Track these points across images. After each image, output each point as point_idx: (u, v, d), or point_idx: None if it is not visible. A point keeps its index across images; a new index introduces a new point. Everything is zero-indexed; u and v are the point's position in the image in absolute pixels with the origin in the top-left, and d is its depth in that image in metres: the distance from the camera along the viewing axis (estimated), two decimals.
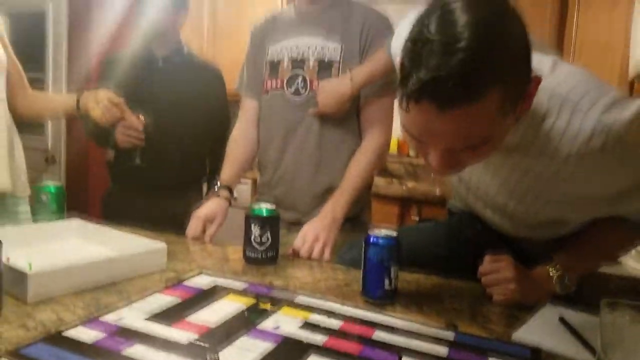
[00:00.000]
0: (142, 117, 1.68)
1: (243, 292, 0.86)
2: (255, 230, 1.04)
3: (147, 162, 1.72)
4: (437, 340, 0.71)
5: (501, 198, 0.88)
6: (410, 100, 0.61)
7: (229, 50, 3.15)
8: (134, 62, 1.80)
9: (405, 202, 2.74)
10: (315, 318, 0.77)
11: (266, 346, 0.66)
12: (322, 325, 0.74)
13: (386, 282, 0.85)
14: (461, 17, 0.58)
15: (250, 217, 1.05)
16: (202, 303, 0.80)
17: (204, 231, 1.28)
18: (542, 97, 0.71)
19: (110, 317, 0.72)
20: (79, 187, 3.13)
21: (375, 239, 0.85)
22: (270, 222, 1.05)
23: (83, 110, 1.45)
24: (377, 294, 0.86)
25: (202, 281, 0.91)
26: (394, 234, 0.86)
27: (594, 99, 0.70)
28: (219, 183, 1.38)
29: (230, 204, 1.37)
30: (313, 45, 1.34)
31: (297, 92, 1.35)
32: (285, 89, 1.36)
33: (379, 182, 2.99)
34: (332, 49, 1.32)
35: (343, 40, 1.32)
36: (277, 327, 0.72)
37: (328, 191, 1.30)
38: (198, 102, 1.79)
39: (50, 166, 3.30)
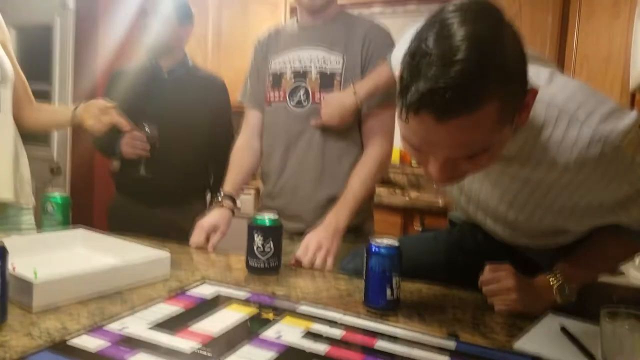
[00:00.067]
0: (147, 129, 1.71)
1: (246, 302, 0.87)
2: (258, 239, 1.04)
3: (152, 173, 1.74)
4: (439, 349, 0.71)
5: (501, 208, 0.89)
6: (409, 111, 0.63)
7: (232, 62, 3.18)
8: (139, 75, 1.83)
9: (408, 212, 2.74)
10: (317, 327, 0.77)
11: (268, 355, 0.66)
12: (324, 335, 0.74)
13: (388, 291, 0.85)
14: (458, 31, 0.60)
15: (253, 227, 1.06)
16: (205, 312, 0.80)
17: (207, 240, 1.29)
18: (539, 108, 0.72)
19: (114, 326, 0.73)
20: (84, 197, 3.14)
21: (376, 248, 0.86)
22: (273, 232, 1.06)
23: (78, 121, 1.47)
24: (379, 303, 0.86)
25: (205, 290, 0.92)
26: (396, 243, 0.86)
27: (591, 109, 0.71)
28: (222, 193, 1.39)
29: (233, 213, 1.38)
30: (315, 57, 1.36)
31: (299, 104, 1.37)
32: (288, 100, 1.38)
33: (382, 192, 3.00)
34: (334, 61, 1.34)
35: (345, 53, 1.34)
36: (279, 337, 0.73)
37: (330, 201, 1.30)
38: (202, 114, 1.81)
39: (55, 176, 3.32)
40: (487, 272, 0.91)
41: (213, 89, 1.87)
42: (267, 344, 0.70)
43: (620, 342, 0.59)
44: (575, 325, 0.81)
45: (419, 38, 0.63)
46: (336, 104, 1.30)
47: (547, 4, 2.59)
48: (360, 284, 0.89)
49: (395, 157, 3.18)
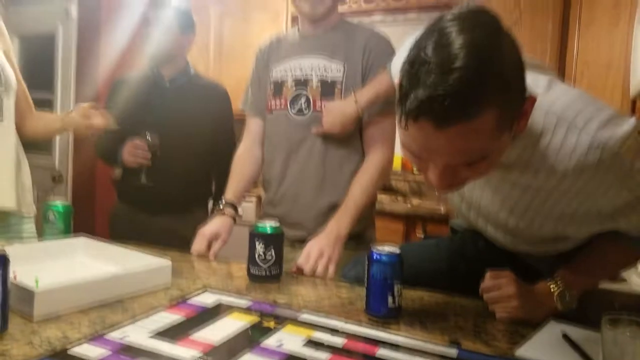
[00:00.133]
0: (148, 137, 1.71)
1: (247, 310, 0.87)
2: (260, 247, 1.04)
3: (153, 181, 1.75)
4: (441, 357, 0.71)
5: (502, 215, 0.89)
6: (408, 118, 0.63)
7: (234, 70, 3.20)
8: (141, 84, 1.83)
9: (410, 220, 2.74)
10: (319, 336, 0.77)
11: None
12: (326, 343, 0.74)
13: (389, 299, 0.85)
14: (457, 39, 0.61)
15: (255, 235, 1.06)
16: (207, 321, 0.80)
17: (209, 248, 1.30)
18: (538, 115, 0.72)
19: (115, 335, 0.73)
20: (85, 205, 3.15)
21: (378, 256, 0.86)
22: (274, 240, 1.06)
23: (66, 127, 1.48)
24: (380, 311, 0.86)
25: (207, 299, 0.91)
26: (397, 250, 0.86)
27: (589, 116, 0.71)
28: (223, 201, 1.39)
29: (234, 221, 1.38)
30: (316, 65, 1.36)
31: (300, 112, 1.37)
32: (289, 108, 1.38)
33: (384, 199, 3.00)
34: (335, 69, 1.35)
35: (346, 61, 1.35)
36: (281, 345, 0.72)
37: (331, 209, 1.31)
38: (204, 122, 1.81)
39: (57, 185, 3.33)
40: (488, 279, 0.91)
41: (215, 97, 1.88)
42: (269, 352, 0.70)
43: (622, 349, 0.59)
44: (577, 332, 0.81)
45: (418, 46, 0.64)
46: (337, 112, 1.31)
47: (547, 11, 2.60)
48: (362, 291, 0.89)
49: (397, 164, 3.18)
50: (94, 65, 3.20)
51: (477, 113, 0.60)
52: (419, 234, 2.68)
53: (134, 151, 1.71)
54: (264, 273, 1.05)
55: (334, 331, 0.79)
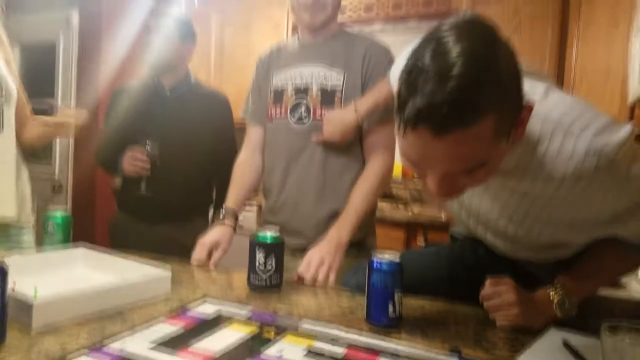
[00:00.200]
0: (148, 147, 1.72)
1: (247, 321, 0.86)
2: (260, 256, 1.04)
3: (152, 191, 1.75)
4: None
5: (501, 222, 0.89)
6: (407, 126, 0.63)
7: (235, 79, 3.21)
8: (141, 93, 1.84)
9: (411, 227, 2.73)
10: (319, 345, 0.76)
11: None
12: (326, 353, 0.74)
13: (390, 308, 0.85)
14: (454, 48, 0.61)
15: (255, 243, 1.05)
16: (206, 331, 0.80)
17: (209, 257, 1.29)
18: (535, 122, 0.72)
19: (114, 346, 0.73)
20: (85, 214, 3.15)
21: (378, 265, 0.85)
22: (275, 248, 1.05)
23: (53, 131, 1.49)
24: (381, 320, 0.85)
25: (206, 309, 0.91)
26: (397, 258, 0.86)
27: (586, 122, 0.71)
28: (224, 209, 1.39)
29: (235, 230, 1.38)
30: (316, 73, 1.37)
31: (300, 120, 1.37)
32: (289, 116, 1.39)
33: (385, 207, 2.99)
34: (334, 77, 1.35)
35: (345, 69, 1.35)
36: (281, 355, 0.72)
37: (332, 217, 1.30)
38: (205, 131, 1.81)
39: (57, 194, 3.33)
40: (488, 287, 0.91)
41: (216, 105, 1.88)
42: None
43: (622, 356, 0.59)
44: (577, 340, 0.80)
45: (416, 55, 0.64)
46: (337, 121, 1.31)
47: (546, 18, 2.62)
48: (363, 300, 0.89)
49: (398, 172, 3.18)
50: (94, 73, 3.21)
51: (474, 120, 0.60)
52: (420, 241, 2.68)
53: (134, 161, 1.71)
54: (264, 282, 1.04)
55: (334, 340, 0.78)
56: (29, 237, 1.44)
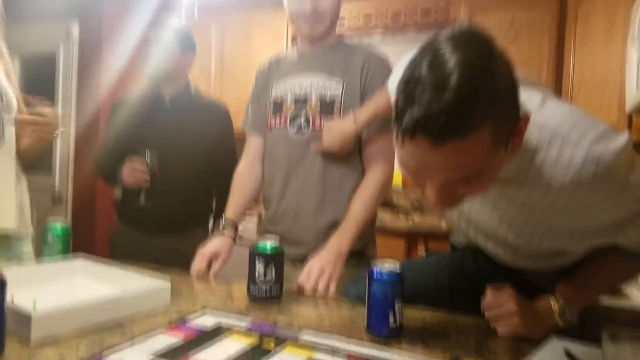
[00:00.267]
0: (148, 158, 1.72)
1: (247, 332, 0.86)
2: (260, 266, 1.04)
3: (152, 203, 1.75)
4: None
5: (501, 231, 0.89)
6: (405, 136, 0.64)
7: (235, 89, 3.22)
8: (141, 104, 1.84)
9: (411, 237, 2.73)
10: (320, 356, 0.76)
11: None
12: None
13: (391, 317, 0.84)
14: (451, 58, 0.62)
15: (255, 254, 1.05)
16: (206, 343, 0.80)
17: (209, 268, 1.29)
18: (532, 131, 0.73)
19: (113, 357, 0.72)
20: (85, 225, 3.15)
21: (378, 275, 0.85)
22: (275, 259, 1.05)
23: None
24: (382, 330, 0.85)
25: (206, 320, 0.91)
26: (397, 268, 0.86)
27: (583, 131, 0.72)
28: (224, 220, 1.39)
29: (235, 240, 1.38)
30: (316, 83, 1.38)
31: (299, 130, 1.38)
32: (289, 126, 1.39)
33: (385, 216, 2.99)
34: (333, 87, 1.36)
35: (344, 79, 1.36)
36: None
37: (332, 226, 1.30)
38: (205, 141, 1.82)
39: (57, 205, 3.33)
40: (489, 296, 0.90)
41: (216, 116, 1.88)
42: None
43: None
44: (579, 349, 0.80)
45: (413, 65, 0.65)
46: (337, 131, 1.32)
47: (543, 29, 2.64)
48: (364, 310, 0.88)
49: (398, 181, 3.18)
50: (94, 84, 3.23)
51: (472, 130, 0.61)
52: (421, 251, 2.67)
53: (133, 172, 1.71)
54: (264, 293, 1.04)
55: (335, 351, 0.78)
56: (28, 248, 1.44)
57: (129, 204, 1.80)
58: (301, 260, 1.27)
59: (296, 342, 0.81)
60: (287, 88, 1.41)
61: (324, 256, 1.20)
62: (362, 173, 1.37)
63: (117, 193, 1.87)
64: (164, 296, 0.98)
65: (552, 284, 0.91)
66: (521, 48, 2.65)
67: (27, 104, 1.41)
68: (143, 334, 0.82)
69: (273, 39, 3.28)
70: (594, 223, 0.80)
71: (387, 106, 1.22)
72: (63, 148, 3.34)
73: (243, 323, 0.90)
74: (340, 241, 1.23)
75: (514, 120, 0.67)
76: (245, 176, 1.48)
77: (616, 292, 1.41)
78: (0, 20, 1.41)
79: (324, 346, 0.80)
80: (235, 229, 1.39)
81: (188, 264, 1.30)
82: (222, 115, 1.89)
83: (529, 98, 0.75)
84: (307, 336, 0.84)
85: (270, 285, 1.04)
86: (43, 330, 0.78)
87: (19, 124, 1.38)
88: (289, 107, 1.40)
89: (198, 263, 1.30)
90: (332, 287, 1.16)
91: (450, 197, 0.70)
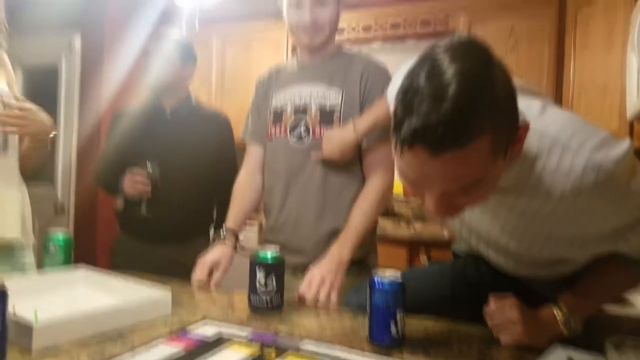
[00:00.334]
0: (149, 168, 1.72)
1: (247, 342, 0.85)
2: (260, 275, 1.04)
3: (154, 212, 1.75)
4: None
5: (502, 239, 0.89)
6: (403, 146, 0.64)
7: (236, 100, 3.24)
8: (142, 115, 1.85)
9: (413, 245, 2.72)
10: None
11: None
12: None
13: (392, 327, 0.84)
14: (449, 69, 0.62)
15: (255, 263, 1.05)
16: (206, 353, 0.79)
17: (209, 277, 1.29)
18: (532, 139, 0.73)
19: None
20: (87, 235, 3.15)
21: (380, 284, 0.85)
22: (275, 268, 1.05)
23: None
24: (384, 339, 0.85)
25: (206, 330, 0.90)
26: (399, 277, 0.86)
27: (583, 138, 0.72)
28: (225, 229, 1.39)
29: (235, 249, 1.37)
30: (315, 92, 1.38)
31: (299, 139, 1.38)
32: (289, 135, 1.40)
33: (387, 224, 2.99)
34: (333, 96, 1.36)
35: (344, 88, 1.36)
36: None
37: (332, 235, 1.30)
38: (206, 151, 1.82)
39: (59, 215, 3.33)
40: (492, 305, 0.90)
41: (216, 126, 1.89)
42: None
43: None
44: (582, 358, 0.79)
45: (411, 75, 0.65)
46: (337, 139, 1.32)
47: (542, 36, 2.65)
48: (365, 319, 0.88)
49: (399, 189, 3.18)
50: (96, 96, 3.24)
51: (470, 140, 0.61)
52: (423, 259, 2.66)
53: (134, 182, 1.72)
54: (265, 303, 1.04)
55: None
56: (30, 258, 1.44)
57: (131, 214, 1.80)
58: (302, 270, 1.27)
59: (297, 352, 0.81)
60: (287, 98, 1.42)
61: (324, 265, 1.20)
62: (363, 182, 1.37)
63: (119, 203, 1.88)
64: (165, 306, 0.98)
65: (554, 292, 0.90)
66: (521, 56, 2.66)
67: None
68: (144, 344, 0.82)
69: (273, 49, 3.31)
70: (595, 230, 0.79)
71: (387, 115, 1.22)
72: (65, 158, 3.35)
73: (244, 333, 0.89)
74: (341, 250, 1.23)
75: (512, 129, 0.67)
76: (245, 186, 1.49)
77: (620, 300, 1.40)
78: (3, 29, 1.42)
79: (325, 356, 0.80)
80: (236, 238, 1.39)
81: (189, 274, 1.30)
82: (222, 125, 1.90)
83: (529, 106, 0.75)
84: (308, 346, 0.84)
85: (271, 294, 1.04)
86: (44, 341, 0.77)
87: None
88: (288, 117, 1.40)
89: (199, 273, 1.29)
90: (334, 297, 1.16)
91: (449, 207, 0.70)
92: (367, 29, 3.11)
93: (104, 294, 1.06)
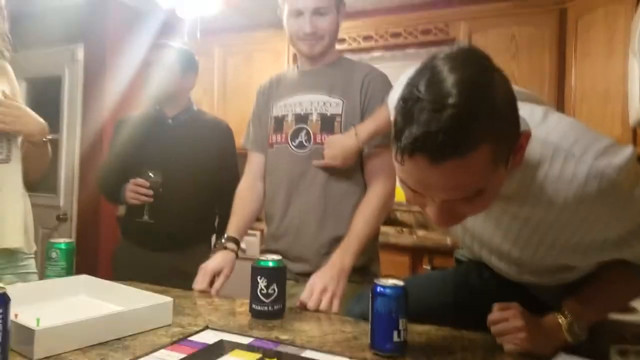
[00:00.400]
0: (151, 175, 1.73)
1: (249, 348, 0.85)
2: (262, 282, 1.03)
3: (156, 219, 1.75)
4: None
5: (505, 246, 0.88)
6: (404, 154, 0.64)
7: (238, 108, 3.25)
8: (144, 122, 1.86)
9: (416, 252, 2.71)
10: None
11: None
12: None
13: (395, 334, 0.83)
14: (449, 77, 0.62)
15: (257, 269, 1.05)
16: None
17: (211, 284, 1.28)
18: (534, 146, 0.73)
19: None
20: (89, 243, 3.16)
21: (382, 290, 0.84)
22: (277, 274, 1.04)
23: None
24: (386, 347, 0.84)
25: (208, 337, 0.90)
26: (401, 284, 0.85)
27: (586, 145, 0.71)
28: (226, 236, 1.39)
29: (237, 256, 1.37)
30: (316, 101, 1.39)
31: (300, 146, 1.38)
32: (290, 142, 1.40)
33: (389, 231, 2.98)
34: (334, 104, 1.37)
35: (344, 96, 1.37)
36: None
37: (334, 242, 1.30)
38: (207, 158, 1.83)
39: (61, 224, 3.34)
40: (496, 312, 0.89)
41: (218, 133, 1.89)
42: None
43: None
44: None
45: (411, 84, 0.65)
46: (338, 145, 1.32)
47: (543, 44, 2.65)
48: (367, 326, 0.87)
49: (402, 196, 3.17)
50: (99, 105, 3.27)
51: (471, 148, 0.61)
52: (426, 266, 2.65)
53: (136, 191, 1.72)
54: (266, 309, 1.03)
55: None
56: (32, 266, 1.44)
57: (133, 220, 1.80)
58: (304, 276, 1.27)
59: (299, 359, 0.80)
60: (288, 106, 1.43)
61: (326, 272, 1.19)
62: (365, 189, 1.37)
63: (121, 209, 1.88)
64: (167, 313, 0.98)
65: (557, 299, 0.89)
66: (522, 63, 2.66)
67: None
68: (145, 351, 0.81)
69: (274, 59, 3.32)
70: (599, 238, 0.79)
71: (388, 122, 1.21)
72: (68, 167, 3.37)
73: (245, 340, 0.89)
74: (342, 257, 1.23)
75: (513, 137, 0.67)
76: (247, 194, 1.49)
77: (627, 309, 1.38)
78: (6, 39, 1.43)
79: None
80: (238, 245, 1.39)
81: (190, 281, 1.30)
82: (224, 133, 1.91)
83: (531, 113, 0.75)
84: (309, 353, 0.83)
85: (272, 301, 1.03)
86: (46, 347, 0.77)
87: None
88: (290, 125, 1.41)
89: (200, 279, 1.29)
90: (335, 304, 1.15)
91: (451, 216, 0.69)
92: (367, 38, 3.12)
93: (105, 301, 1.06)
